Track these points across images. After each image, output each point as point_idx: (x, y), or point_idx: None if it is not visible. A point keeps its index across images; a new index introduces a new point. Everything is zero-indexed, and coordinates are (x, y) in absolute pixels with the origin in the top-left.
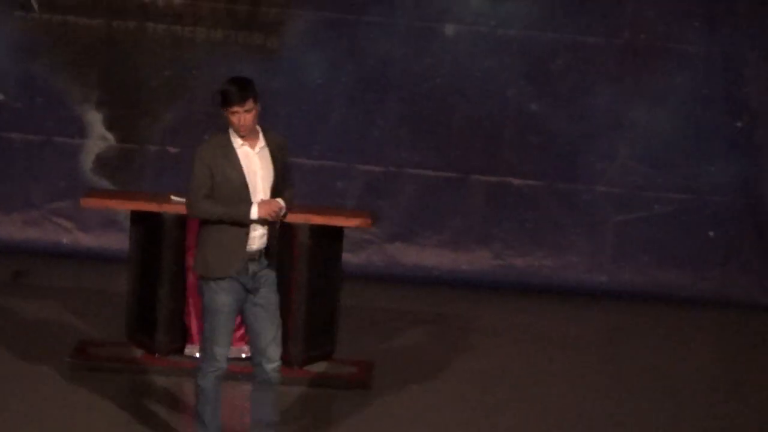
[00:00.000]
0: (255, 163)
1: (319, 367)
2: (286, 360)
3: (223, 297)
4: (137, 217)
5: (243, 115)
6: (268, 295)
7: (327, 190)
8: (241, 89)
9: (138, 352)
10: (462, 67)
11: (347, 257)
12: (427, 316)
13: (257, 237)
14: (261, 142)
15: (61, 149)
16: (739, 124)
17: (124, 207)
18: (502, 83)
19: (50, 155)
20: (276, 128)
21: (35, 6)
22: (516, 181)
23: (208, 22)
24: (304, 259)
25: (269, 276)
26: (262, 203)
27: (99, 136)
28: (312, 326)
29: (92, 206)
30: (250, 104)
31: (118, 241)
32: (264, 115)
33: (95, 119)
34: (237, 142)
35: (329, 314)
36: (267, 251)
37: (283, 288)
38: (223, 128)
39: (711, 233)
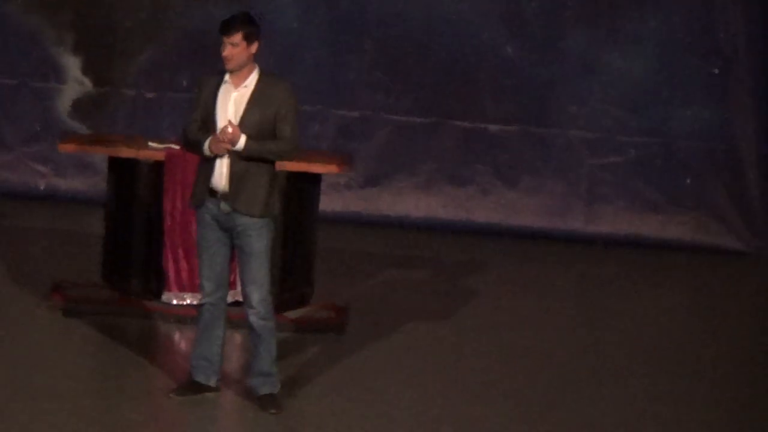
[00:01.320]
0: (229, 100)
1: (296, 312)
2: None
3: (201, 230)
4: (114, 161)
5: (227, 47)
6: (249, 241)
7: (302, 133)
8: (229, 21)
9: (113, 295)
10: (437, 10)
11: (322, 201)
12: (402, 259)
13: (221, 174)
14: (247, 82)
15: (36, 92)
16: (714, 69)
17: (101, 151)
18: (476, 27)
19: (25, 99)
20: None
21: None
22: (490, 126)
23: None
24: (279, 203)
25: (249, 223)
26: (211, 138)
27: (75, 80)
28: (288, 271)
29: (70, 151)
30: (236, 38)
31: (94, 184)
32: None
33: (71, 63)
34: (225, 78)
35: (305, 259)
36: (232, 192)
37: None
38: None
39: (685, 178)
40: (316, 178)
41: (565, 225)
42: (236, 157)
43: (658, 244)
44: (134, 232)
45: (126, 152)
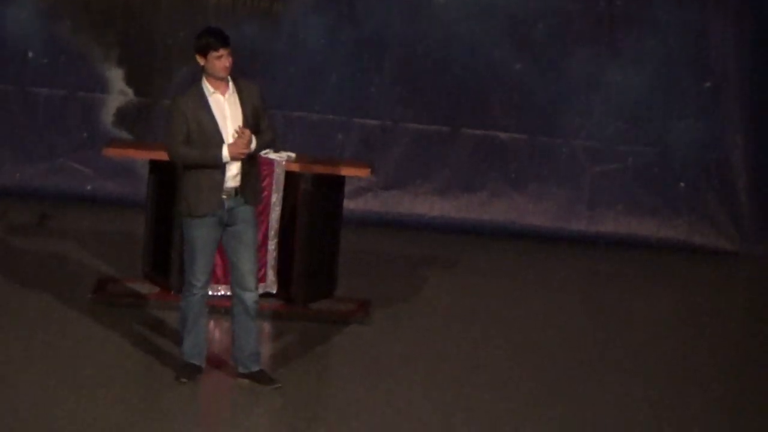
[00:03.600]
0: (225, 108)
1: (321, 304)
2: (289, 298)
3: (199, 231)
4: (155, 165)
5: (227, 58)
6: (245, 230)
7: (327, 142)
8: (223, 35)
9: (153, 290)
10: (452, 30)
11: (346, 204)
12: (419, 258)
13: (231, 176)
14: (230, 89)
15: (83, 103)
16: (706, 85)
17: (143, 156)
18: (488, 46)
19: (73, 109)
20: (279, 85)
21: None
22: (501, 135)
23: None
24: (307, 205)
25: (246, 211)
26: (230, 145)
27: (119, 91)
28: (314, 267)
29: (114, 155)
30: (229, 50)
31: (135, 187)
32: (270, 73)
33: (115, 75)
34: (209, 90)
35: (330, 256)
36: (242, 188)
37: (288, 232)
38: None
39: (680, 184)
40: (340, 182)
41: (569, 227)
42: (245, 157)
43: (655, 245)
44: (172, 231)
45: (165, 157)
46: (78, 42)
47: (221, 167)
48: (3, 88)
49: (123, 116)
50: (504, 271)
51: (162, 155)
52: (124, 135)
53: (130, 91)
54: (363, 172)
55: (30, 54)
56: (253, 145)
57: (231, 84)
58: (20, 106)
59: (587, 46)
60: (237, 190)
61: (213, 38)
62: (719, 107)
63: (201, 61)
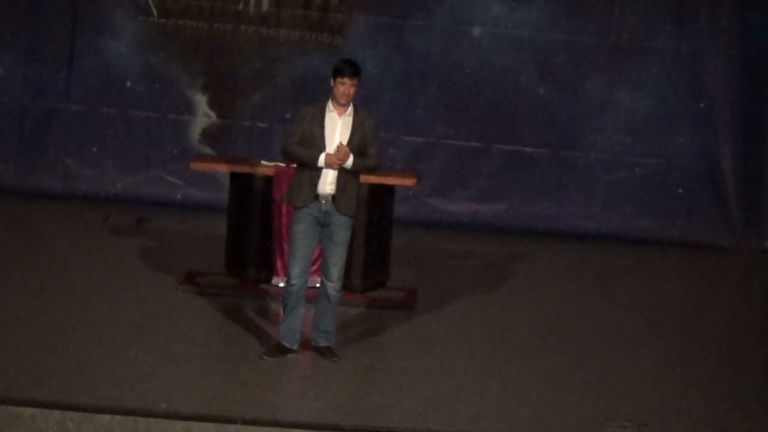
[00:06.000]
0: (336, 127)
1: (376, 292)
2: (349, 287)
3: (298, 225)
4: (234, 176)
5: (348, 87)
6: (337, 231)
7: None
8: (353, 67)
9: (234, 281)
10: (485, 60)
11: (396, 207)
12: (458, 253)
13: (328, 182)
14: (348, 114)
15: (173, 124)
16: (701, 105)
17: (224, 169)
18: (516, 73)
19: (165, 128)
20: None
21: (154, 12)
22: (527, 149)
23: (288, 25)
24: (364, 209)
25: (342, 220)
26: (327, 153)
27: (204, 114)
28: (370, 261)
29: (200, 168)
30: (355, 81)
31: (218, 195)
32: (329, 96)
33: (201, 100)
34: (329, 108)
35: (383, 252)
36: (336, 196)
37: None
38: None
39: (679, 190)
40: (391, 190)
41: (585, 227)
42: (342, 170)
43: (658, 242)
44: (250, 231)
45: (244, 169)
46: (169, 71)
47: (317, 170)
48: (107, 111)
49: (207, 135)
50: (530, 264)
51: (240, 168)
52: (208, 151)
53: (213, 114)
54: (410, 182)
55: (128, 83)
56: (349, 162)
57: (351, 109)
58: (121, 126)
59: (600, 73)
60: (333, 197)
61: (342, 66)
62: (712, 124)
63: (331, 83)
